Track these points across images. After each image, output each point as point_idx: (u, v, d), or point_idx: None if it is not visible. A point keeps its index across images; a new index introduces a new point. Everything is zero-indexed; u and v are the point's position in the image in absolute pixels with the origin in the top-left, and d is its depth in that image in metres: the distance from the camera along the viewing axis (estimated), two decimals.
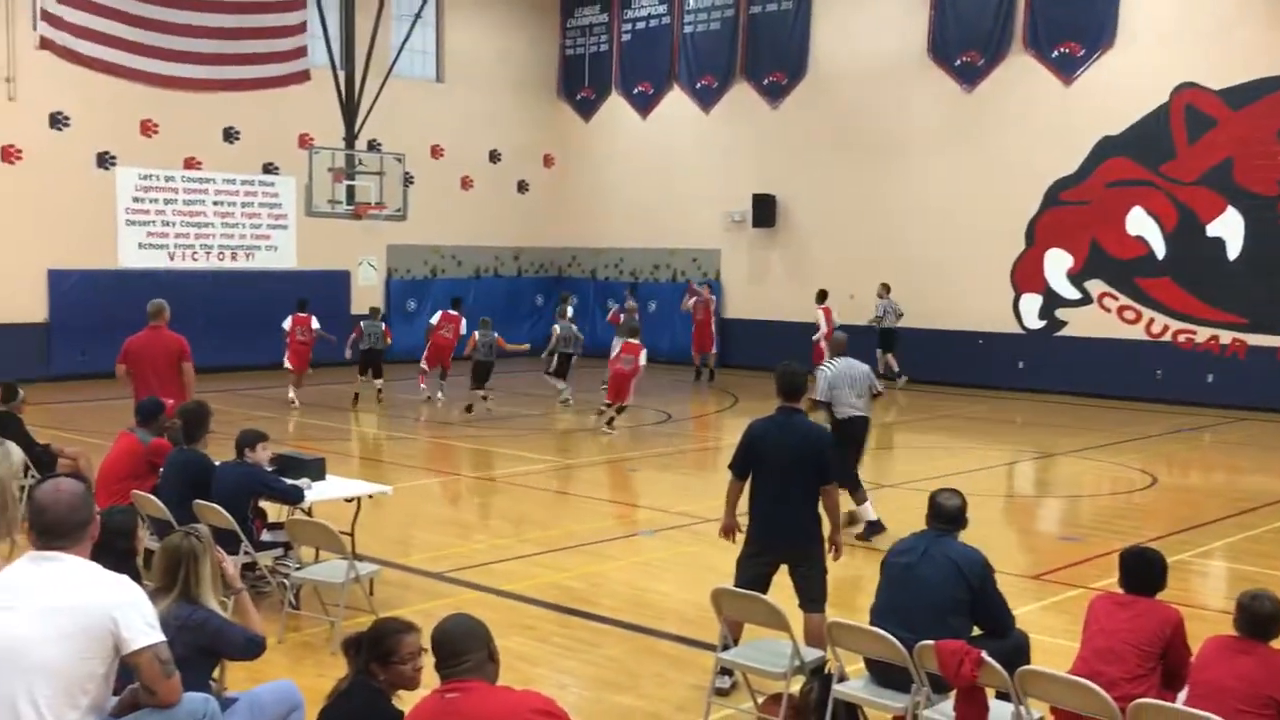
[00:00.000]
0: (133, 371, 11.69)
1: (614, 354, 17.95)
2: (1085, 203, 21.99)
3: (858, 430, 11.06)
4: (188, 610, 5.05)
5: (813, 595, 7.05)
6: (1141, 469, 15.10)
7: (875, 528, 10.88)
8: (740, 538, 7.41)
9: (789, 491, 7.07)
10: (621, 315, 23.40)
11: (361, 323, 20.39)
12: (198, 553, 5.16)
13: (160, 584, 5.15)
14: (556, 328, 19.95)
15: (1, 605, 4.00)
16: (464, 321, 20.68)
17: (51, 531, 4.09)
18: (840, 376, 11.00)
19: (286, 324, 20.05)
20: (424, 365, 20.73)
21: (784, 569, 7.19)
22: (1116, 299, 21.83)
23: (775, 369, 7.50)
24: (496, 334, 19.21)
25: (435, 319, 20.91)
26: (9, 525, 4.49)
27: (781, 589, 7.13)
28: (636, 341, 17.80)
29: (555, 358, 19.78)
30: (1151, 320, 21.49)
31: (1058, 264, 22.47)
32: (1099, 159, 21.80)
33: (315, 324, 20.00)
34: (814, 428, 7.31)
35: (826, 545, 7.23)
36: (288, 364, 20.07)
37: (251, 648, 5.21)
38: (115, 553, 5.20)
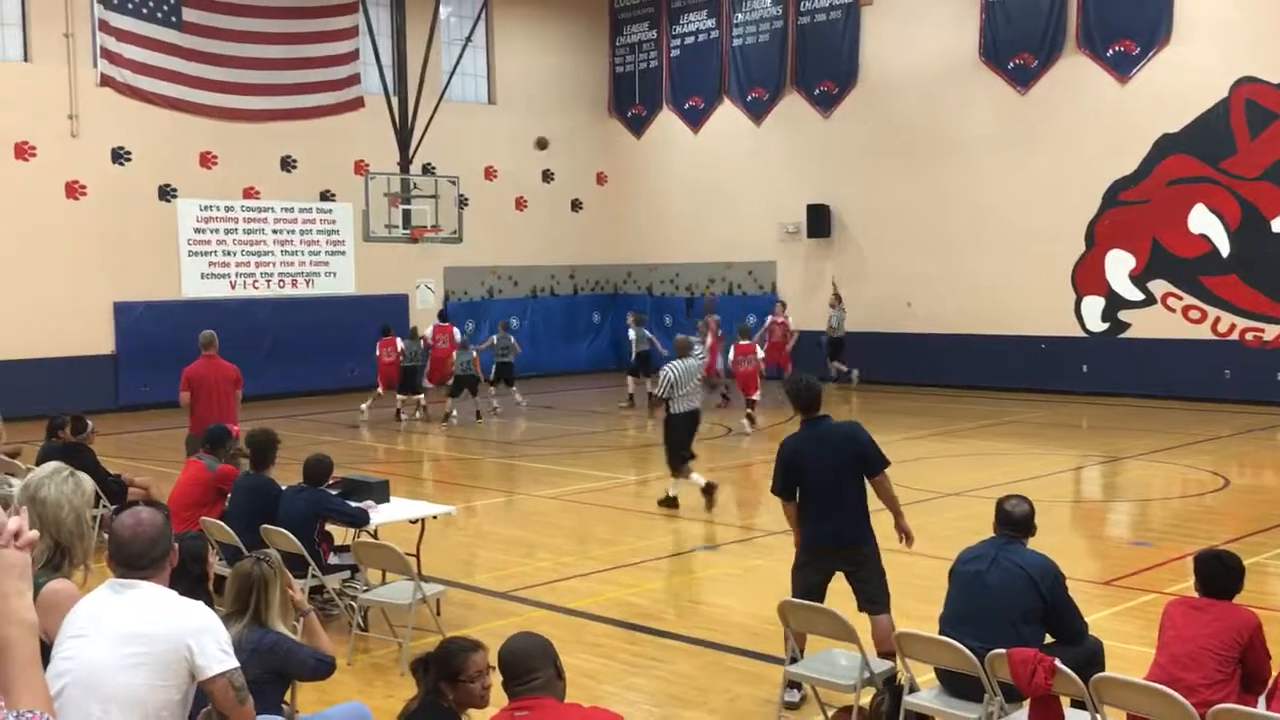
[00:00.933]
0: (194, 398, 12.39)
1: (732, 359, 19.46)
2: (1145, 202, 21.68)
3: (693, 421, 13.19)
4: (259, 634, 5.10)
5: (874, 597, 6.99)
6: (1213, 470, 14.82)
7: (674, 504, 12.98)
8: None
9: (836, 497, 7.02)
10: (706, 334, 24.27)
11: (400, 342, 21.29)
12: (268, 579, 5.23)
13: (232, 609, 5.21)
14: (494, 337, 22.21)
15: (80, 633, 4.06)
16: (456, 330, 22.16)
17: (132, 564, 4.16)
18: (682, 376, 12.88)
19: (377, 350, 21.28)
20: (426, 383, 21.55)
21: (841, 578, 7.13)
22: (1181, 299, 21.49)
23: (785, 386, 7.47)
24: (475, 353, 21.07)
25: (427, 334, 21.94)
26: (85, 554, 4.56)
27: (845, 596, 7.07)
28: (747, 342, 19.61)
29: (495, 367, 21.79)
30: (1218, 319, 21.12)
31: (1119, 265, 22.16)
32: (1158, 157, 21.49)
33: (400, 343, 21.17)
34: (845, 426, 7.23)
35: (897, 535, 7.17)
36: (380, 388, 21.37)
37: (321, 669, 5.25)
38: (189, 578, 5.28)
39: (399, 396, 21.02)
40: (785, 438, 7.38)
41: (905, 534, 7.21)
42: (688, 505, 13.07)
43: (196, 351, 12.86)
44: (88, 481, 4.58)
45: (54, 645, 4.04)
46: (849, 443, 7.07)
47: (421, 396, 21.09)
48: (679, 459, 13.00)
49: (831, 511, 7.03)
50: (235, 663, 4.17)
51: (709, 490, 12.85)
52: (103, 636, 4.01)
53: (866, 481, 7.09)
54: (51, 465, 4.62)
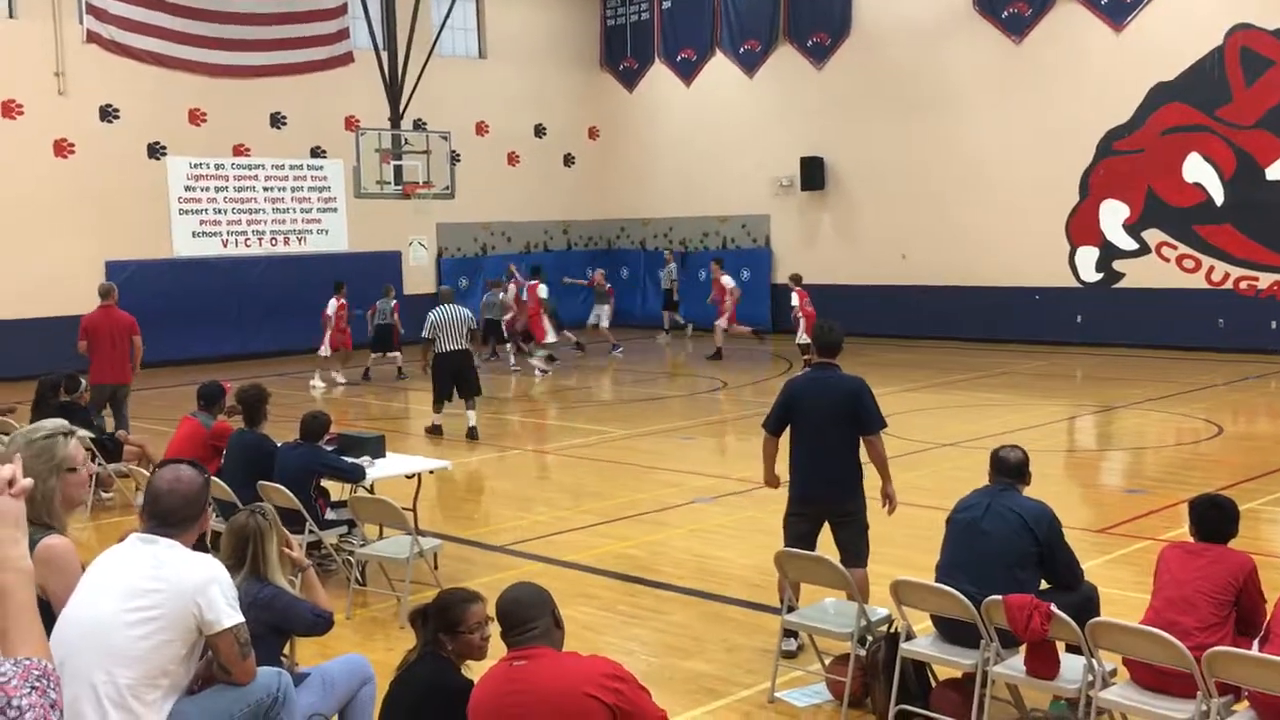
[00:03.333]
0: (91, 346, 13.10)
1: (797, 304, 20.18)
2: (1140, 151, 21.60)
3: (457, 361, 14.54)
4: (257, 587, 5.11)
5: (855, 552, 7.03)
6: (1206, 419, 14.87)
7: (438, 430, 14.53)
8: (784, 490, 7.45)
9: (828, 447, 7.03)
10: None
11: (378, 301, 20.83)
12: (263, 530, 5.23)
13: (228, 563, 5.19)
14: (377, 303, 21.50)
15: (93, 586, 4.07)
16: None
17: (159, 519, 4.20)
18: (443, 319, 14.43)
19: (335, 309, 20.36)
20: (326, 351, 20.50)
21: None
22: (1175, 248, 21.46)
23: (814, 327, 7.51)
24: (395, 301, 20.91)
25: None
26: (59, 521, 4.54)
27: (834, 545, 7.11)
28: (802, 288, 20.62)
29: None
30: (1212, 268, 21.11)
31: (1114, 215, 22.11)
32: (1153, 106, 21.40)
33: (333, 304, 20.20)
34: (849, 380, 7.17)
35: (880, 500, 7.18)
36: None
37: (320, 624, 5.26)
38: None
39: (373, 355, 20.73)
40: (793, 377, 7.46)
41: (889, 499, 7.17)
42: (682, 457, 13.09)
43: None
44: (77, 443, 4.55)
45: (70, 597, 4.06)
46: (849, 396, 7.05)
47: (396, 355, 20.78)
48: (443, 394, 14.61)
49: (822, 460, 7.05)
50: (241, 617, 4.19)
51: (435, 432, 14.56)
52: (113, 590, 4.03)
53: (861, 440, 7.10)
54: (52, 423, 4.58)
